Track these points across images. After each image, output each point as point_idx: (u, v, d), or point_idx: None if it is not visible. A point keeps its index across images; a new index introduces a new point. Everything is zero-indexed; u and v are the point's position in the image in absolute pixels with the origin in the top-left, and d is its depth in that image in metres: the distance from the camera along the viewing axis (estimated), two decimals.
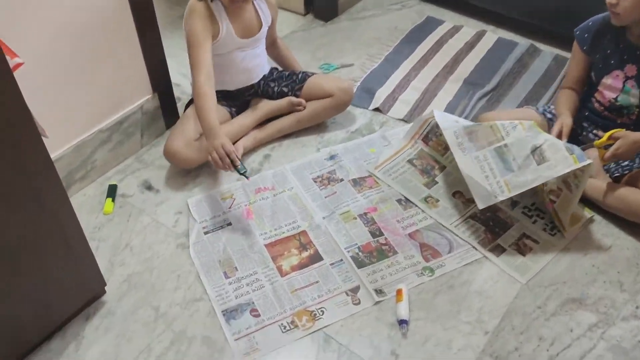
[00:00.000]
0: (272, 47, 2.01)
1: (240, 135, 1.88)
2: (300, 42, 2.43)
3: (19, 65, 1.27)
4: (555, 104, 1.81)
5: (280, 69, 2.03)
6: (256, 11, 1.82)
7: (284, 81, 1.96)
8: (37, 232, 1.21)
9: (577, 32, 1.73)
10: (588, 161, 1.51)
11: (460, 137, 1.66)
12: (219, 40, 1.76)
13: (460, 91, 2.16)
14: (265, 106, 1.93)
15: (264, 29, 1.85)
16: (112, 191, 1.79)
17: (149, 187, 1.82)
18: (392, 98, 2.12)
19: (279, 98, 1.95)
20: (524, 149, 1.57)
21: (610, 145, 1.58)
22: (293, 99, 1.92)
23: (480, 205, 1.59)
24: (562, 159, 1.54)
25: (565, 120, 1.67)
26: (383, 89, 2.16)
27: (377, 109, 2.09)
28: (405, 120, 2.05)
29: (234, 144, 1.78)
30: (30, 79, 1.51)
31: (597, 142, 1.63)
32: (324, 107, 1.93)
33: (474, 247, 1.62)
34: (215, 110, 1.70)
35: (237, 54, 1.83)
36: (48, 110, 1.60)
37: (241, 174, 1.62)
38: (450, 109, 2.07)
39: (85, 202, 1.77)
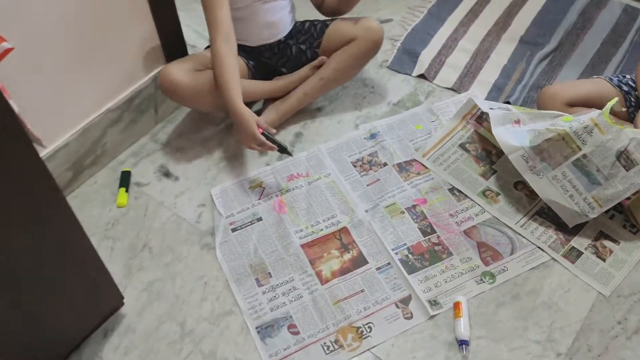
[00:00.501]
0: (322, 5, 1.71)
1: (258, 96, 1.65)
2: None
3: (8, 50, 1.06)
4: (636, 76, 1.54)
5: (300, 21, 1.73)
6: None
7: (302, 36, 1.68)
8: (40, 253, 1.02)
9: None
10: None
11: (530, 159, 1.41)
12: None
13: (516, 52, 1.88)
14: (286, 77, 1.69)
15: None
16: (125, 179, 1.58)
17: (167, 174, 1.61)
18: (438, 62, 1.85)
19: (297, 59, 1.69)
20: (607, 156, 1.33)
21: None
22: (313, 63, 1.66)
23: (571, 225, 1.40)
24: None
25: None
26: (427, 50, 1.89)
27: (421, 76, 1.83)
28: (455, 89, 1.79)
29: (250, 107, 1.54)
30: (28, 60, 1.28)
31: None
32: (348, 56, 1.63)
33: (546, 252, 1.41)
34: (239, 84, 1.47)
35: (258, 6, 1.57)
36: (50, 93, 1.38)
37: (283, 152, 1.47)
38: (505, 74, 1.81)
39: (96, 191, 1.57)
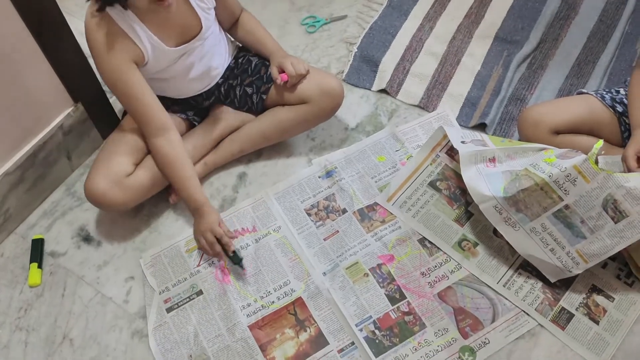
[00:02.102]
0: (235, 27, 1.41)
1: (195, 160, 1.37)
2: None
3: None
4: (628, 95, 1.30)
5: (248, 54, 1.43)
6: (188, 3, 1.21)
7: (248, 77, 1.39)
8: None
9: None
10: None
11: (504, 211, 1.20)
12: (148, 62, 1.20)
13: (491, 53, 1.62)
14: (228, 119, 1.41)
15: (205, 19, 1.25)
16: (36, 250, 1.33)
17: (87, 238, 1.36)
18: (401, 70, 1.59)
19: (242, 103, 1.41)
20: (592, 207, 1.12)
21: None
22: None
23: (553, 280, 1.22)
24: None
25: None
26: (389, 55, 1.61)
27: (383, 90, 1.57)
28: (422, 106, 1.54)
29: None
30: None
31: None
32: (298, 119, 1.37)
33: (532, 317, 1.22)
34: (194, 173, 1.27)
35: (182, 62, 1.27)
36: None
37: (235, 263, 1.25)
38: (479, 83, 1.56)
39: (4, 267, 1.32)
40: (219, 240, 1.24)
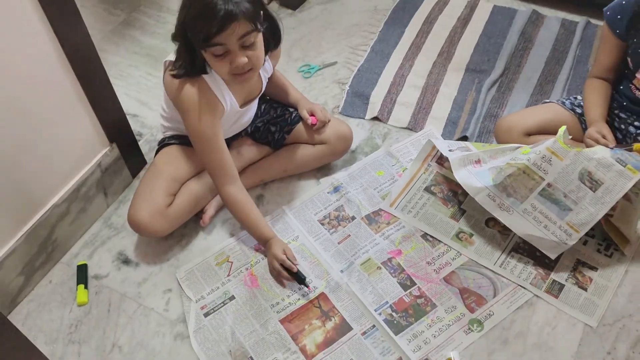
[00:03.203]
0: (268, 82, 1.63)
1: (216, 192, 1.53)
2: None
3: None
4: (584, 99, 1.54)
5: (271, 102, 1.65)
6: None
7: (274, 119, 1.62)
8: None
9: (608, 14, 1.45)
10: None
11: (497, 197, 1.40)
12: (223, 116, 1.41)
13: (464, 82, 1.87)
14: (250, 154, 1.61)
15: (265, 84, 1.50)
16: (82, 274, 1.48)
17: (126, 261, 1.52)
18: (389, 101, 1.83)
19: (263, 137, 1.63)
20: (571, 181, 1.33)
21: None
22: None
23: (553, 256, 1.39)
24: (617, 175, 1.30)
25: (602, 130, 1.42)
26: (377, 90, 1.86)
27: (375, 118, 1.80)
28: (410, 128, 1.77)
29: (207, 203, 1.53)
30: None
31: (636, 145, 1.39)
32: (316, 157, 1.60)
33: (528, 290, 1.39)
34: (261, 216, 1.44)
35: (232, 117, 1.48)
36: None
37: (300, 283, 1.41)
38: (457, 107, 1.80)
39: (53, 291, 1.46)
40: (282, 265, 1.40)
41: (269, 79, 1.57)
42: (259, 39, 1.26)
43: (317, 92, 1.89)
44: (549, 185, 1.35)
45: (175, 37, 1.28)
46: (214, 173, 1.41)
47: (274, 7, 2.22)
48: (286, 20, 2.17)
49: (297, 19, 2.17)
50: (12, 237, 1.38)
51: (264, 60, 1.39)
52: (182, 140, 1.52)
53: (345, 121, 1.67)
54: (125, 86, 1.95)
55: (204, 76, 1.33)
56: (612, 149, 1.35)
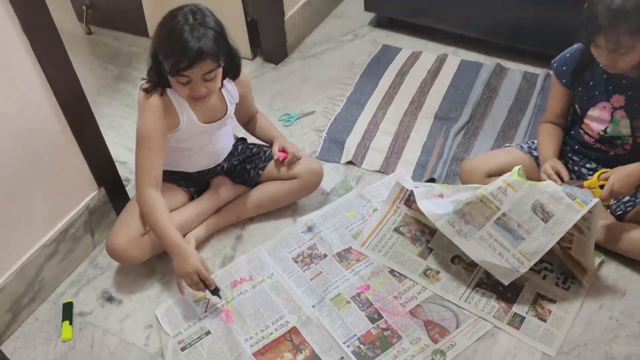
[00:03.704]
0: (249, 123, 1.78)
1: (195, 224, 1.66)
2: (254, 91, 2.20)
3: None
4: (538, 141, 1.66)
5: (247, 142, 1.80)
6: (221, 92, 1.59)
7: (249, 158, 1.74)
8: None
9: (555, 65, 1.59)
10: (594, 201, 1.39)
11: (456, 224, 1.50)
12: (180, 129, 1.55)
13: (433, 129, 2.00)
14: (227, 192, 1.72)
15: (230, 109, 1.63)
16: (67, 311, 1.56)
17: (110, 299, 1.59)
18: (363, 147, 1.95)
19: (239, 175, 1.74)
20: (524, 211, 1.43)
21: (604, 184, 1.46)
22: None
23: (506, 282, 1.47)
24: (567, 208, 1.40)
25: (556, 165, 1.53)
26: (352, 137, 1.98)
27: (350, 162, 1.92)
28: (382, 171, 1.88)
29: (184, 235, 1.60)
30: None
31: (586, 182, 1.50)
32: (288, 191, 1.71)
33: (491, 322, 1.46)
34: (171, 221, 1.51)
35: (202, 138, 1.61)
36: None
37: (214, 295, 1.49)
38: (426, 151, 1.92)
39: (39, 328, 1.54)
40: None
41: (253, 120, 1.76)
42: (219, 72, 1.44)
43: (296, 139, 2.01)
44: (504, 214, 1.45)
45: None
46: (140, 171, 1.51)
47: (258, 63, 2.38)
48: (269, 73, 2.32)
49: (279, 73, 2.32)
50: (0, 276, 1.46)
51: (223, 86, 1.57)
52: (167, 175, 1.63)
53: (323, 170, 1.76)
54: (116, 135, 2.07)
55: (168, 90, 1.50)
56: (563, 184, 1.46)
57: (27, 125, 1.41)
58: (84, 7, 2.59)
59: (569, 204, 1.40)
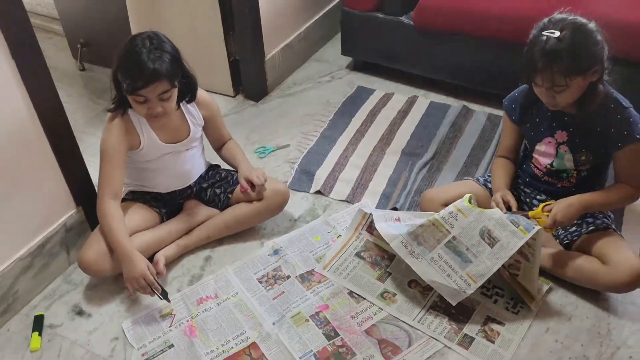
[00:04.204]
0: (221, 150, 1.89)
1: (167, 243, 1.75)
2: (233, 125, 2.33)
3: None
4: (491, 174, 1.77)
5: (218, 168, 1.91)
6: (182, 115, 1.72)
7: (219, 182, 1.85)
8: None
9: (505, 104, 1.72)
10: (536, 228, 1.48)
11: (409, 245, 1.59)
12: (142, 149, 1.66)
13: (399, 163, 2.12)
14: (199, 214, 1.82)
15: (194, 131, 1.74)
16: (38, 323, 1.62)
17: (80, 312, 1.66)
18: (332, 178, 2.06)
19: (211, 200, 1.84)
20: (472, 236, 1.53)
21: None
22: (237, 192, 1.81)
23: (454, 303, 1.55)
24: (511, 234, 1.50)
25: (506, 195, 1.63)
26: (322, 169, 2.10)
27: (318, 192, 2.02)
28: (348, 200, 1.98)
29: (154, 254, 1.69)
30: None
31: (531, 213, 1.61)
32: (254, 212, 1.80)
33: (441, 342, 1.53)
34: (124, 229, 1.61)
35: (167, 158, 1.73)
36: None
37: (162, 298, 1.58)
38: (391, 183, 2.02)
39: (9, 338, 1.59)
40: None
41: (224, 146, 1.87)
42: (174, 92, 1.57)
43: (269, 170, 2.12)
44: (454, 238, 1.54)
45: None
46: (101, 183, 1.62)
47: (239, 100, 2.52)
48: (249, 109, 2.46)
49: (258, 109, 2.45)
50: None
51: (179, 108, 1.68)
52: (136, 196, 1.74)
53: (289, 192, 1.87)
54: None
55: (130, 111, 1.62)
56: (508, 212, 1.56)
57: (10, 143, 1.51)
58: (78, 46, 2.75)
59: (513, 230, 1.50)
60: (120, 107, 1.62)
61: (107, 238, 1.61)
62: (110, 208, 1.61)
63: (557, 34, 1.38)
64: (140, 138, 1.65)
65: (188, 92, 1.66)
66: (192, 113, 1.74)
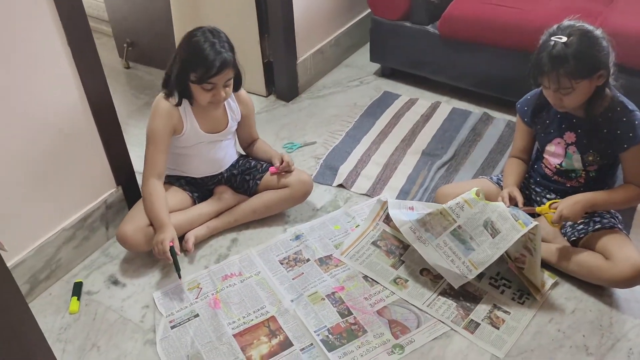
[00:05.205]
0: (250, 147, 2.03)
1: (198, 224, 1.89)
2: (264, 123, 2.49)
3: None
4: (503, 172, 1.87)
5: (248, 158, 2.04)
6: (224, 108, 1.87)
7: (249, 170, 1.98)
8: None
9: (518, 106, 1.81)
10: (534, 223, 1.57)
11: (417, 230, 1.69)
12: (184, 134, 1.81)
13: (419, 163, 2.22)
14: (229, 199, 1.95)
15: (231, 124, 1.89)
16: (77, 289, 1.77)
17: (115, 282, 1.81)
18: (354, 173, 2.17)
19: (240, 186, 1.98)
20: (476, 226, 1.62)
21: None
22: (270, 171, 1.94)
23: (456, 286, 1.65)
24: (511, 227, 1.59)
25: (513, 192, 1.72)
26: (345, 164, 2.22)
27: (341, 185, 2.14)
28: (369, 194, 2.09)
29: (184, 234, 1.83)
30: None
31: (538, 208, 1.69)
32: (280, 199, 1.93)
33: (448, 325, 1.62)
34: (165, 204, 1.76)
35: (203, 146, 1.88)
36: (9, 213, 1.61)
37: (177, 272, 1.74)
38: (410, 181, 2.13)
39: (50, 302, 1.75)
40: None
41: (253, 144, 2.00)
42: (232, 79, 1.73)
43: (296, 164, 2.23)
44: (459, 227, 1.64)
45: (170, 77, 1.75)
46: (147, 164, 1.79)
47: (271, 100, 2.67)
48: (279, 109, 2.60)
49: (288, 109, 2.60)
50: (23, 249, 1.69)
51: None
52: (171, 180, 1.89)
53: (312, 181, 2.00)
54: (140, 150, 2.31)
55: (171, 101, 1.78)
56: (510, 206, 1.65)
57: (65, 128, 1.68)
58: (125, 45, 2.95)
59: (513, 224, 1.59)
60: (175, 95, 1.76)
61: (148, 212, 1.76)
62: (154, 185, 1.77)
63: (565, 39, 1.48)
64: (183, 124, 1.79)
65: (238, 81, 1.81)
66: (233, 108, 1.88)
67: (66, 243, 1.80)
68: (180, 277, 1.75)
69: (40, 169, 1.66)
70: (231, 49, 1.70)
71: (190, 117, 1.80)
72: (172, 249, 1.70)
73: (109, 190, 1.90)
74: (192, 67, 1.68)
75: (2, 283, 1.14)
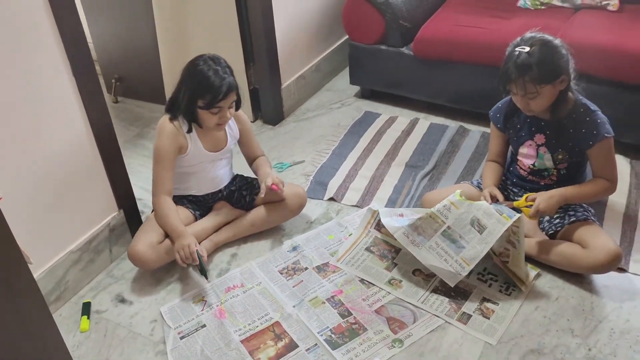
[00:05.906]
0: (253, 164, 2.12)
1: (202, 238, 1.98)
2: None
3: None
4: (482, 175, 2.02)
5: (243, 176, 2.15)
6: (224, 129, 1.98)
7: (246, 186, 2.10)
8: (20, 355, 1.26)
9: (491, 114, 1.97)
10: (517, 215, 1.70)
11: (410, 235, 1.81)
12: (188, 154, 1.92)
13: (403, 174, 2.36)
14: (227, 213, 2.06)
15: (230, 142, 2.01)
16: (86, 309, 1.84)
17: (122, 300, 1.88)
18: (344, 187, 2.30)
19: (238, 202, 2.09)
20: (464, 225, 1.75)
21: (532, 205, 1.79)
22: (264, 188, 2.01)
23: (452, 284, 1.76)
24: (496, 221, 1.72)
25: (493, 191, 1.86)
26: (334, 179, 2.34)
27: (331, 199, 2.26)
28: (358, 205, 2.21)
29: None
30: (7, 210, 1.61)
31: (515, 203, 1.83)
32: (277, 211, 2.05)
33: (442, 318, 1.73)
34: (178, 216, 1.86)
35: (205, 165, 1.98)
36: (23, 237, 1.69)
37: (202, 274, 1.81)
38: (397, 191, 2.26)
39: (61, 322, 1.81)
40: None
41: (255, 160, 2.10)
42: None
43: (286, 182, 2.36)
44: (448, 227, 1.76)
45: (178, 103, 1.85)
46: (155, 183, 1.88)
47: (258, 124, 2.79)
48: (267, 132, 2.73)
49: (275, 132, 2.72)
50: (34, 272, 1.76)
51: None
52: (174, 199, 1.97)
53: (306, 194, 2.12)
54: (134, 179, 2.40)
55: (175, 123, 1.88)
56: (493, 203, 1.79)
57: (70, 155, 1.78)
58: (113, 80, 3.07)
59: (498, 218, 1.73)
60: (181, 120, 1.87)
61: (163, 224, 1.86)
62: (166, 200, 1.87)
63: (528, 49, 1.65)
64: (188, 145, 1.90)
65: (238, 101, 1.93)
66: (231, 126, 2.01)
67: (73, 266, 1.88)
68: (207, 278, 1.84)
69: (48, 197, 1.75)
70: (232, 72, 1.83)
71: (194, 138, 1.91)
72: (197, 252, 1.79)
73: (112, 213, 1.99)
74: (199, 95, 1.80)
75: (27, 292, 1.23)
